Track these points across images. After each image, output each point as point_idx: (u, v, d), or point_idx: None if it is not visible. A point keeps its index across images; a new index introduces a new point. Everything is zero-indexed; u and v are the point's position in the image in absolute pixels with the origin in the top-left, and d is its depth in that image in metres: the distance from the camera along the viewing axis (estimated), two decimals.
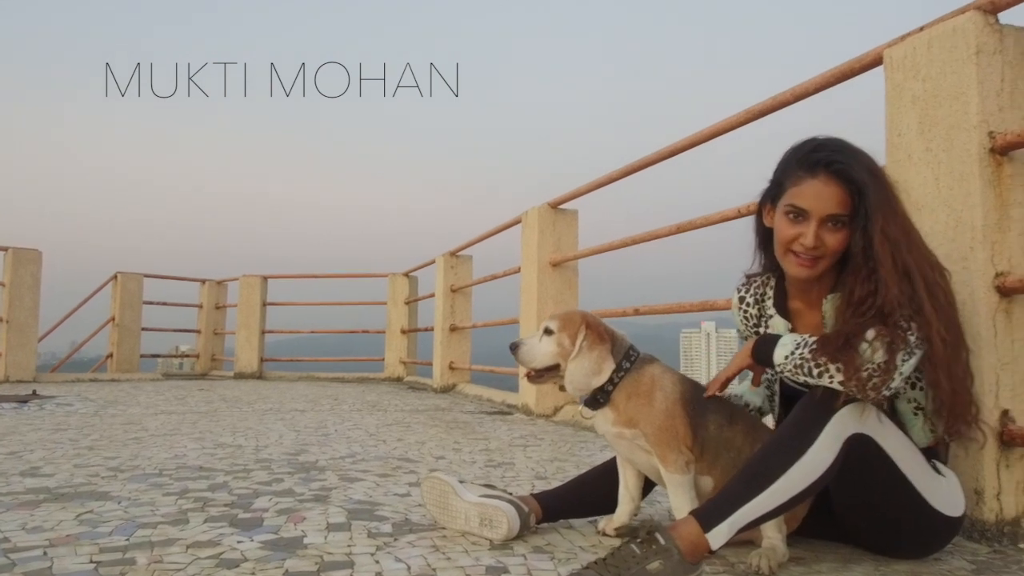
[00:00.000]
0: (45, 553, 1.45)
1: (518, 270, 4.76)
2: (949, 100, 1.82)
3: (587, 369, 1.57)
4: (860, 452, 1.33)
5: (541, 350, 1.61)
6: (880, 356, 1.30)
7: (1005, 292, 1.73)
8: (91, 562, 1.40)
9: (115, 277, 8.99)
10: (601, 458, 2.96)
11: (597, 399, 1.60)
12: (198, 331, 9.92)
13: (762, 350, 1.48)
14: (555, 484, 2.31)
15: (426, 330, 7.54)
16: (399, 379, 8.43)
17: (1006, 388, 1.72)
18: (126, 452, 2.80)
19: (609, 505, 1.75)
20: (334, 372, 8.97)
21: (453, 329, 6.47)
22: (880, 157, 2.02)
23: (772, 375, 1.72)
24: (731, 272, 1.84)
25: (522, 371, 4.32)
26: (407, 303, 8.47)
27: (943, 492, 1.45)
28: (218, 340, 9.92)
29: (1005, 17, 1.83)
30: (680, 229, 3.07)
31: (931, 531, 1.48)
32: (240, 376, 8.77)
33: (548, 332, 1.62)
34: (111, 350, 8.92)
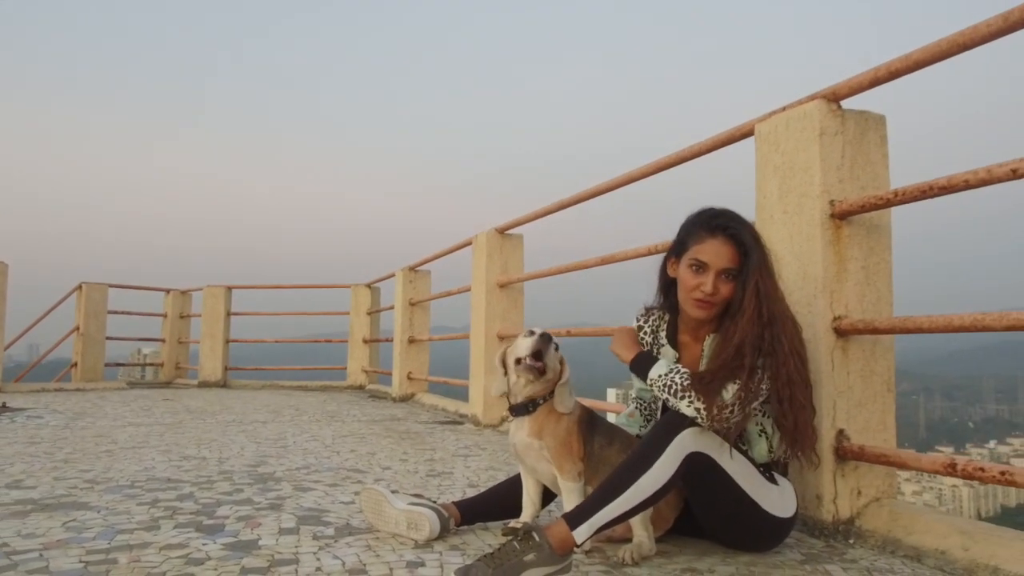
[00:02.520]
0: (40, 555, 1.75)
1: (469, 288, 5.10)
2: (800, 172, 2.21)
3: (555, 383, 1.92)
4: (700, 467, 1.70)
5: (553, 360, 1.92)
6: (733, 398, 1.67)
7: (841, 333, 2.12)
8: (80, 562, 1.70)
9: (80, 287, 9.12)
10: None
11: (527, 407, 1.93)
12: (162, 340, 10.08)
13: (641, 364, 1.85)
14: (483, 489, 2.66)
15: (387, 340, 7.84)
16: (361, 387, 8.71)
17: (841, 411, 2.11)
18: (99, 465, 3.07)
19: (518, 510, 2.09)
20: (298, 380, 9.21)
21: (411, 341, 6.79)
22: (751, 213, 2.43)
23: (652, 401, 2.10)
24: (641, 299, 2.21)
25: (478, 381, 4.69)
26: (369, 313, 8.75)
27: (775, 498, 1.82)
28: (183, 349, 10.09)
29: (849, 103, 2.23)
30: (604, 261, 3.44)
31: (766, 530, 1.85)
32: (204, 385, 8.97)
33: (557, 348, 1.94)
34: (75, 359, 9.05)
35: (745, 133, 2.50)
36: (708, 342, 1.93)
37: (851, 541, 2.05)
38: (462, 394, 5.88)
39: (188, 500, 2.40)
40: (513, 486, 2.13)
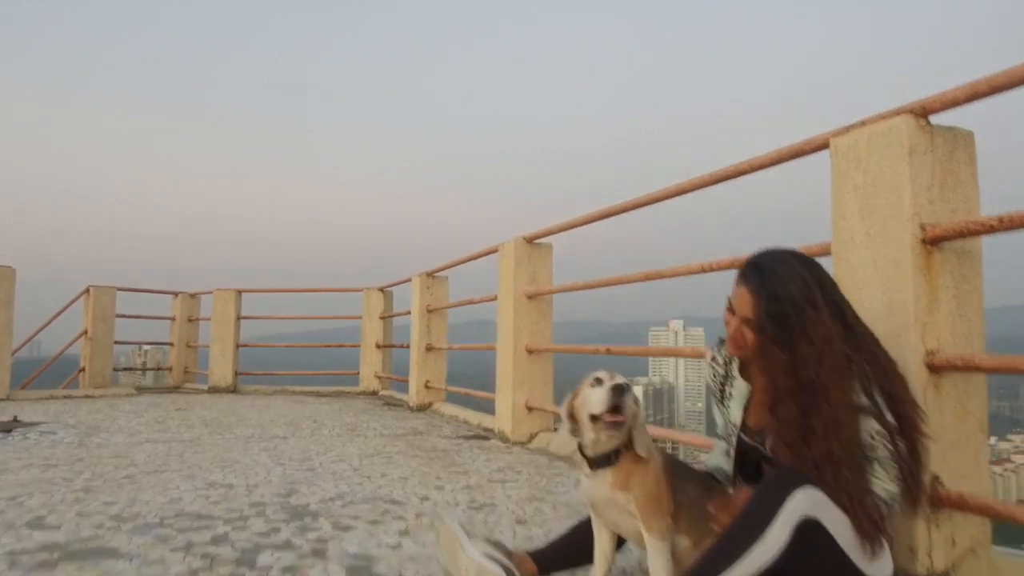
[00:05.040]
0: None
1: (494, 298, 4.94)
2: (886, 192, 2.05)
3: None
4: (810, 536, 1.54)
5: (631, 408, 1.75)
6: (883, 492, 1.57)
7: (934, 369, 1.96)
8: None
9: (87, 291, 8.97)
10: (574, 493, 3.16)
11: (608, 459, 1.76)
12: (171, 344, 9.93)
13: None
14: (535, 528, 2.51)
15: (401, 347, 7.68)
16: (375, 393, 8.56)
17: (936, 455, 1.94)
18: (123, 496, 2.92)
19: (589, 555, 1.93)
20: (310, 386, 9.06)
21: (429, 349, 6.63)
22: (824, 231, 2.27)
23: (731, 431, 1.95)
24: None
25: (506, 396, 4.52)
26: (382, 318, 8.60)
27: (877, 560, 1.66)
28: (191, 353, 9.94)
29: (936, 118, 2.07)
30: (648, 277, 3.28)
31: None
32: (215, 390, 8.82)
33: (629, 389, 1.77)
34: (83, 364, 8.91)
35: (817, 147, 2.34)
36: None
37: None
38: (484, 406, 5.73)
39: (224, 544, 2.25)
40: (585, 532, 1.97)
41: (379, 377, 8.57)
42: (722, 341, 2.00)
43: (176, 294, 9.94)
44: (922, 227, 1.99)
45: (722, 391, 1.97)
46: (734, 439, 1.90)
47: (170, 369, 9.89)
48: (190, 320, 9.91)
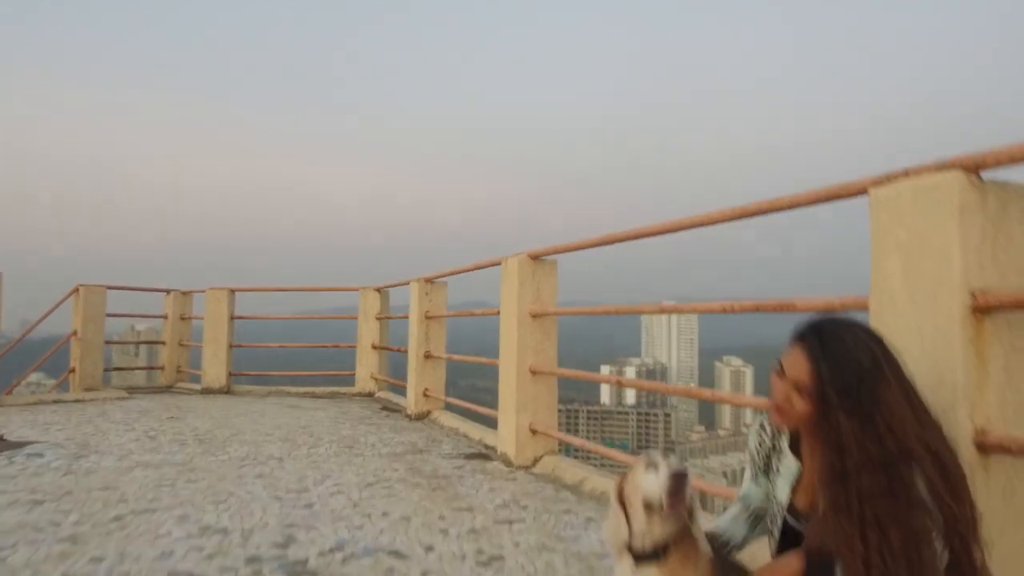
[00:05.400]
0: None
1: (496, 312, 4.78)
2: (933, 254, 1.89)
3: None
4: None
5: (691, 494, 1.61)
6: None
7: (983, 449, 1.82)
8: None
9: (77, 290, 8.78)
10: (586, 537, 3.04)
11: (656, 553, 1.60)
12: (163, 343, 9.76)
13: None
14: None
15: (399, 350, 7.54)
16: (371, 395, 8.43)
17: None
18: (112, 548, 2.77)
19: None
20: (305, 387, 8.92)
21: (427, 356, 6.48)
22: (866, 287, 2.12)
23: (761, 507, 1.82)
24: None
25: (510, 417, 4.38)
26: (379, 319, 8.44)
27: None
28: (184, 352, 9.77)
29: (987, 174, 1.91)
30: (664, 311, 3.13)
31: None
32: (208, 391, 8.68)
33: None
34: (74, 364, 8.73)
35: (853, 193, 2.18)
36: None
37: None
38: (484, 418, 5.60)
39: None
40: None
41: (375, 379, 8.43)
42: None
43: (168, 292, 9.75)
44: (972, 294, 1.84)
45: (767, 463, 1.84)
46: (779, 520, 1.77)
47: (162, 368, 9.72)
48: (182, 318, 9.73)
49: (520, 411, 4.36)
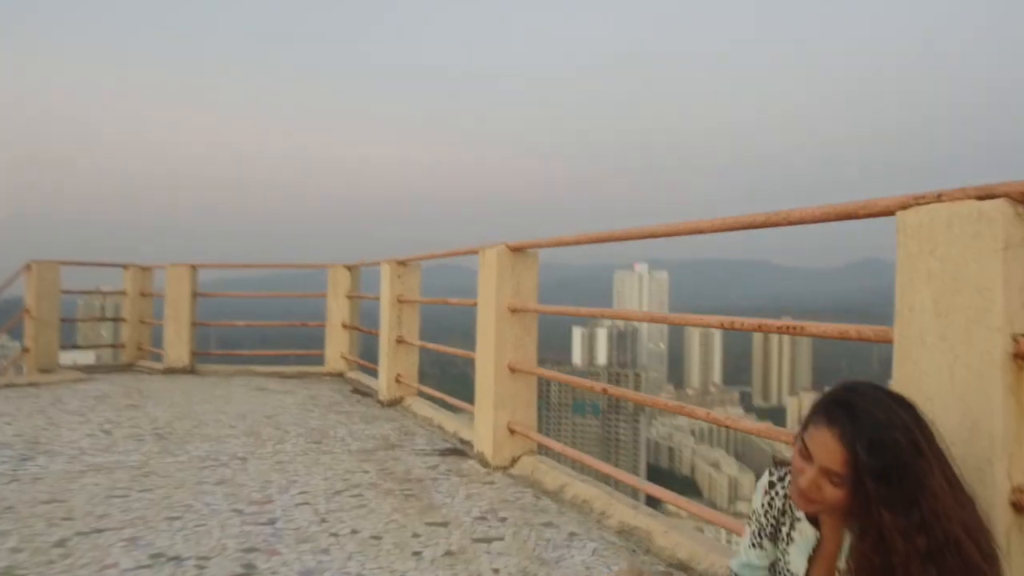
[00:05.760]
0: None
1: (473, 303, 4.53)
2: (971, 290, 1.68)
3: None
4: None
5: None
6: None
7: (1021, 509, 1.64)
8: None
9: (29, 267, 8.34)
10: (569, 559, 2.85)
11: None
12: (123, 320, 9.37)
13: None
14: None
15: (371, 332, 7.28)
16: (341, 375, 8.17)
17: None
18: None
19: None
20: (273, 366, 8.63)
21: (400, 341, 6.23)
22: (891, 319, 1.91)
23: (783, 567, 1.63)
24: None
25: (487, 414, 4.17)
26: (349, 297, 8.14)
27: None
28: (145, 329, 9.39)
29: None
30: (654, 319, 2.91)
31: None
32: (171, 371, 8.35)
33: None
34: (28, 344, 8.34)
35: (875, 213, 1.96)
36: (845, 542, 1.49)
37: None
38: (458, 405, 5.39)
39: None
40: None
41: (346, 359, 8.17)
42: (779, 465, 1.66)
43: (126, 266, 9.33)
44: (1015, 339, 1.64)
45: (776, 528, 1.65)
46: None
47: (123, 347, 9.34)
48: (143, 295, 9.33)
49: (498, 409, 4.15)
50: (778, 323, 2.30)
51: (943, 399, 1.73)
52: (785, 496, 1.62)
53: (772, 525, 1.65)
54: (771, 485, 1.65)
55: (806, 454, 1.41)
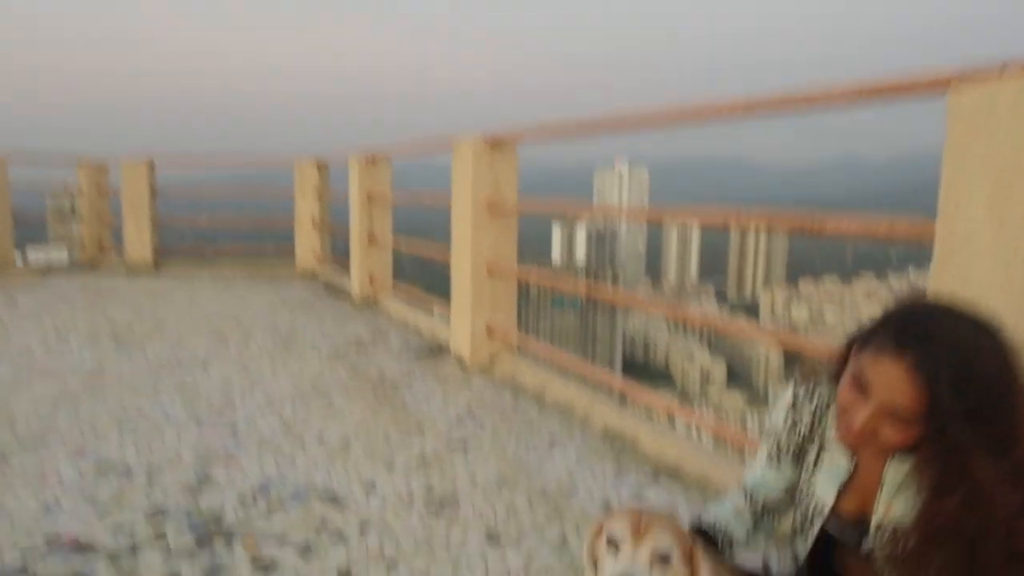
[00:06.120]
0: None
1: (449, 202, 4.20)
2: None
3: None
4: None
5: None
6: None
7: None
8: None
9: None
10: (551, 462, 2.69)
11: None
12: (80, 218, 8.88)
13: None
14: (509, 551, 2.03)
15: (340, 231, 6.93)
16: (314, 275, 7.88)
17: None
18: None
19: None
20: (242, 266, 8.28)
21: (372, 241, 5.91)
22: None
23: (813, 514, 1.41)
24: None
25: (465, 317, 3.91)
26: (318, 194, 7.73)
27: None
28: (105, 228, 8.92)
29: None
30: (651, 217, 2.61)
31: None
32: (133, 271, 7.99)
33: (663, 560, 1.15)
34: None
35: (920, 89, 1.65)
36: (891, 469, 1.25)
37: None
38: (436, 300, 5.15)
39: None
40: None
41: (318, 258, 7.85)
42: (815, 385, 1.40)
43: (80, 162, 8.75)
44: None
45: (799, 451, 1.42)
46: (817, 524, 1.37)
47: (83, 246, 8.90)
48: (100, 192, 8.81)
49: (476, 310, 3.91)
50: (792, 216, 2.01)
51: (996, 301, 1.48)
52: (813, 417, 1.38)
53: (795, 447, 1.42)
54: (795, 403, 1.40)
55: (861, 386, 1.15)
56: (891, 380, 1.10)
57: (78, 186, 8.71)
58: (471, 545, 2.08)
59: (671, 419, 3.24)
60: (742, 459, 2.76)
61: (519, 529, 2.19)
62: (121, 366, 3.99)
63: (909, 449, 1.17)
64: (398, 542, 2.09)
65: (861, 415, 1.14)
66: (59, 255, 10.08)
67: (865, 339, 1.21)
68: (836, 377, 1.32)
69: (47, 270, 8.22)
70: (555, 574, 1.94)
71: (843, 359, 1.28)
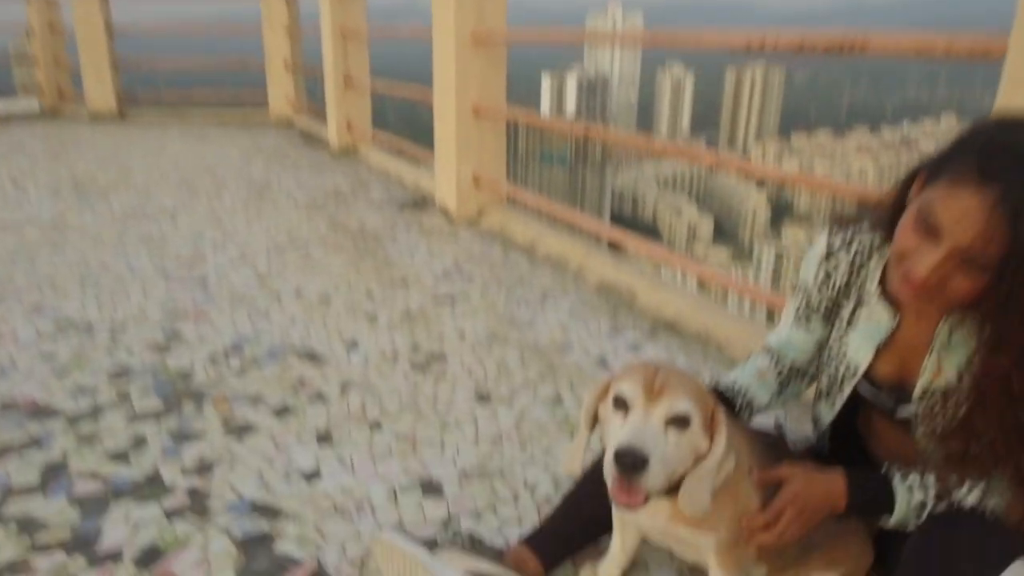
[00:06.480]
0: None
1: (428, 35, 3.79)
2: None
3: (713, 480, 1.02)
4: None
5: (676, 458, 0.99)
6: None
7: None
8: None
9: None
10: (543, 317, 2.54)
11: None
12: (36, 61, 8.23)
13: (869, 497, 1.07)
14: (500, 408, 1.90)
15: (313, 73, 6.43)
16: (290, 122, 7.43)
17: None
18: None
19: (600, 526, 1.32)
20: (213, 112, 7.80)
21: (348, 84, 5.46)
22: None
23: (847, 374, 1.25)
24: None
25: (450, 163, 3.64)
26: (288, 31, 7.12)
27: None
28: (63, 72, 8.30)
29: None
30: (657, 43, 2.30)
31: None
32: (96, 119, 7.51)
33: (680, 423, 0.99)
34: None
35: None
36: (944, 327, 1.07)
37: None
38: (419, 155, 4.84)
39: (56, 485, 1.55)
40: (584, 502, 1.33)
41: (292, 104, 7.37)
42: (854, 232, 1.19)
43: None
44: None
45: (833, 307, 1.24)
46: (848, 387, 1.21)
47: (42, 93, 8.31)
48: (53, 31, 8.10)
49: (461, 158, 3.62)
50: (829, 35, 1.70)
51: None
52: (850, 269, 1.18)
53: (828, 303, 1.24)
54: (829, 254, 1.20)
55: (929, 227, 0.94)
56: (970, 218, 0.89)
57: (28, 25, 8.00)
58: (459, 404, 1.95)
59: (658, 269, 3.08)
60: (743, 313, 2.60)
61: (510, 387, 2.05)
62: (83, 217, 3.74)
63: (968, 305, 0.98)
64: (381, 401, 1.95)
65: (928, 260, 0.94)
66: (28, 103, 9.46)
67: (934, 170, 0.99)
68: (882, 223, 1.11)
69: (6, 118, 7.71)
70: (548, 433, 1.83)
71: (898, 199, 1.07)
